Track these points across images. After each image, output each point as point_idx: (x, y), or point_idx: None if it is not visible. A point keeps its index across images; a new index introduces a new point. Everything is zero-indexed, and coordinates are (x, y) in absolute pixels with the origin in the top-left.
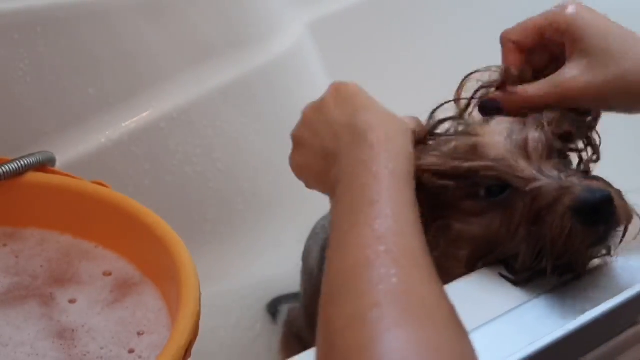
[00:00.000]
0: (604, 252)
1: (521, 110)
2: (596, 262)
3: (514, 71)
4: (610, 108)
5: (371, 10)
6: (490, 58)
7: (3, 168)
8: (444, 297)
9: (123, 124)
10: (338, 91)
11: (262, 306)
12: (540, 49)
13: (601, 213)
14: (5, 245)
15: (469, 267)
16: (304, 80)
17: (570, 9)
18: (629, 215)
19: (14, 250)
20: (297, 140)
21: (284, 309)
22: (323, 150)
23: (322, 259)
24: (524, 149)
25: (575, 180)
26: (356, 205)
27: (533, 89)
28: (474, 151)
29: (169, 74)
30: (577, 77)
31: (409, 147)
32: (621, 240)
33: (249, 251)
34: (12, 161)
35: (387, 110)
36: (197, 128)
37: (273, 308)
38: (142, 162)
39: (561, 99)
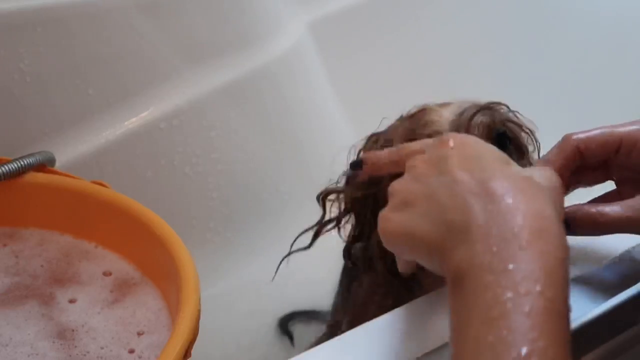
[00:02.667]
0: None
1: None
2: (599, 257)
3: None
4: None
5: (371, 10)
6: (489, 57)
7: (3, 168)
8: None
9: (123, 124)
10: (463, 146)
11: (262, 307)
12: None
13: None
14: (5, 245)
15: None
16: (304, 80)
17: None
18: None
19: (14, 250)
20: (403, 198)
21: (298, 328)
22: (444, 220)
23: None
24: (466, 128)
25: None
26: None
27: (613, 213)
28: (425, 125)
29: (169, 74)
30: None
31: (564, 241)
32: None
33: (249, 251)
34: (12, 161)
35: (527, 175)
36: (197, 128)
37: (284, 326)
38: (142, 162)
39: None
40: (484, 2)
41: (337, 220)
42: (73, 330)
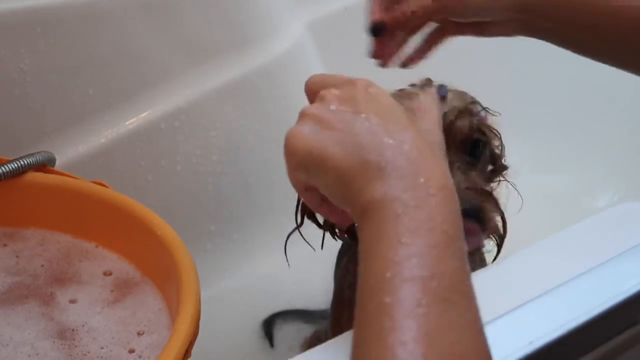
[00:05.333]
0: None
1: (405, 26)
2: (599, 257)
3: None
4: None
5: None
6: (488, 56)
7: (3, 168)
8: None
9: (123, 124)
10: (377, 94)
11: (263, 306)
12: None
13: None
14: (5, 245)
15: None
16: (304, 80)
17: None
18: (493, 229)
19: (15, 250)
20: (319, 120)
21: (283, 328)
22: (360, 157)
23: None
24: (447, 131)
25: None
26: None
27: (415, 5)
28: None
29: (169, 74)
30: None
31: (456, 196)
32: (495, 257)
33: (249, 252)
34: (12, 161)
35: (430, 139)
36: (197, 128)
37: (269, 328)
38: (142, 163)
39: (441, 11)
40: None
41: None
42: (73, 330)
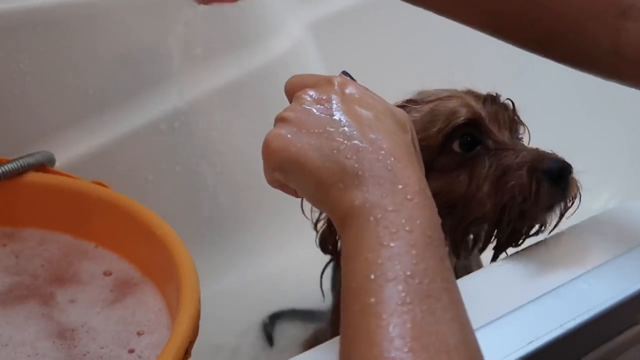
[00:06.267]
0: (537, 228)
1: None
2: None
3: None
4: None
5: (371, 10)
6: (489, 57)
7: (3, 168)
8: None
9: (123, 125)
10: (343, 87)
11: (262, 307)
12: None
13: (563, 178)
14: (5, 245)
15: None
16: None
17: None
18: (577, 188)
19: (14, 250)
20: (296, 123)
21: (283, 328)
22: (337, 162)
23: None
24: (495, 118)
25: (541, 150)
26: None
27: None
28: (454, 113)
29: (169, 74)
30: None
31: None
32: (562, 214)
33: (249, 252)
34: (12, 161)
35: (405, 140)
36: (197, 129)
37: (269, 327)
38: (142, 163)
39: None
40: None
41: None
42: (73, 330)
